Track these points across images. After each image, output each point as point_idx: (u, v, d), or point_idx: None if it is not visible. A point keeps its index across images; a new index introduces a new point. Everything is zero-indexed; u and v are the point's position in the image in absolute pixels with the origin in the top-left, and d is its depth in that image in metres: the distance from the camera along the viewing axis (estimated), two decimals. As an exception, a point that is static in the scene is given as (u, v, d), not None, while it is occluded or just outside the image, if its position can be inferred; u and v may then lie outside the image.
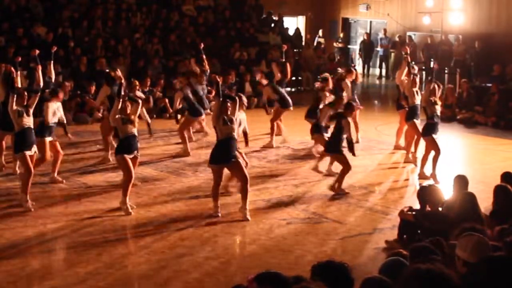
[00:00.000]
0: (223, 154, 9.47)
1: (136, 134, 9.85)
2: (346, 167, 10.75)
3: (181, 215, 9.72)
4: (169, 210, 9.95)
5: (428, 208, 8.21)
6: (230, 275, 7.80)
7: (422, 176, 11.71)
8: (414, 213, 8.31)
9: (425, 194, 8.25)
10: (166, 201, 10.38)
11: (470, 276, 4.40)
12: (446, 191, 8.77)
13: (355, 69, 14.65)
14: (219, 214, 9.57)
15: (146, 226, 9.29)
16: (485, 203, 8.12)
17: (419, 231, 8.10)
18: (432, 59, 22.01)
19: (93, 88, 16.38)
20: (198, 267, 7.92)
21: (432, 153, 11.56)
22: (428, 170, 11.69)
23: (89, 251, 8.34)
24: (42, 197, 10.39)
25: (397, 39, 24.03)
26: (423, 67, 22.17)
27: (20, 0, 19.19)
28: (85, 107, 16.39)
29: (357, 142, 13.44)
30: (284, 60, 14.85)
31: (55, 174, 11.14)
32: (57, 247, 8.51)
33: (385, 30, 24.66)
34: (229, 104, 9.55)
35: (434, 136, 11.48)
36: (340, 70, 14.72)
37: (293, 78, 19.46)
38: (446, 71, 21.03)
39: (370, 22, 26.05)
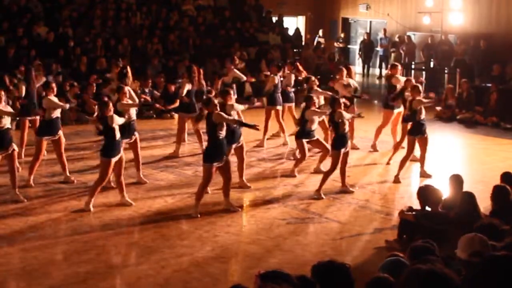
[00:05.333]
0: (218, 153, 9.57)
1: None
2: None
3: (181, 215, 9.72)
4: (169, 210, 9.96)
5: (428, 208, 8.22)
6: (230, 275, 7.81)
7: (423, 175, 11.78)
8: (414, 213, 8.32)
9: (425, 194, 8.25)
10: (165, 201, 10.38)
11: (467, 275, 4.40)
12: (445, 191, 8.77)
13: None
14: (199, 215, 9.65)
15: (145, 226, 9.30)
16: (485, 203, 8.13)
17: (419, 231, 8.09)
18: (431, 59, 22.04)
19: (93, 88, 16.45)
20: (198, 267, 7.92)
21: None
22: (427, 168, 11.76)
23: (89, 251, 8.34)
24: (42, 197, 10.40)
25: (397, 39, 24.01)
26: (423, 67, 22.20)
27: (20, 0, 19.20)
28: (85, 107, 16.38)
29: None
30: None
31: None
32: (57, 247, 8.51)
33: (385, 30, 24.65)
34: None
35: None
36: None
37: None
38: (446, 71, 21.03)
39: (370, 22, 26.05)
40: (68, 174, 11.22)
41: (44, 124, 10.98)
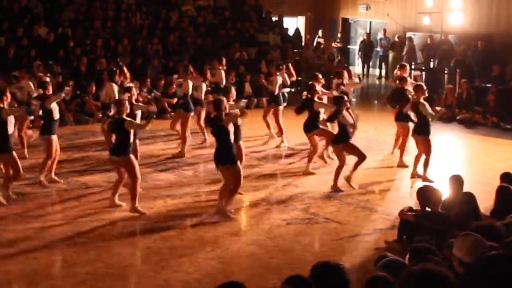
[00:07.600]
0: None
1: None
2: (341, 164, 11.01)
3: (181, 215, 9.72)
4: (169, 210, 9.96)
5: (428, 209, 8.21)
6: (230, 275, 7.79)
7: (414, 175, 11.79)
8: (414, 213, 8.32)
9: (425, 194, 8.24)
10: (165, 201, 10.38)
11: (466, 276, 4.41)
12: (445, 191, 8.77)
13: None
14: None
15: (145, 226, 9.29)
16: (485, 203, 8.13)
17: (419, 232, 8.09)
18: (431, 60, 22.05)
19: (93, 88, 16.46)
20: (198, 267, 7.92)
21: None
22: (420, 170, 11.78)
23: (89, 251, 8.34)
24: (41, 197, 10.40)
25: (396, 39, 24.02)
26: (423, 68, 22.20)
27: (20, 0, 19.20)
28: (85, 108, 16.39)
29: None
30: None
31: (53, 174, 11.15)
32: (56, 247, 8.51)
33: (384, 31, 24.67)
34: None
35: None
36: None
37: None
38: (446, 72, 21.03)
39: (370, 22, 26.07)
40: (53, 176, 11.14)
41: (48, 123, 10.91)
